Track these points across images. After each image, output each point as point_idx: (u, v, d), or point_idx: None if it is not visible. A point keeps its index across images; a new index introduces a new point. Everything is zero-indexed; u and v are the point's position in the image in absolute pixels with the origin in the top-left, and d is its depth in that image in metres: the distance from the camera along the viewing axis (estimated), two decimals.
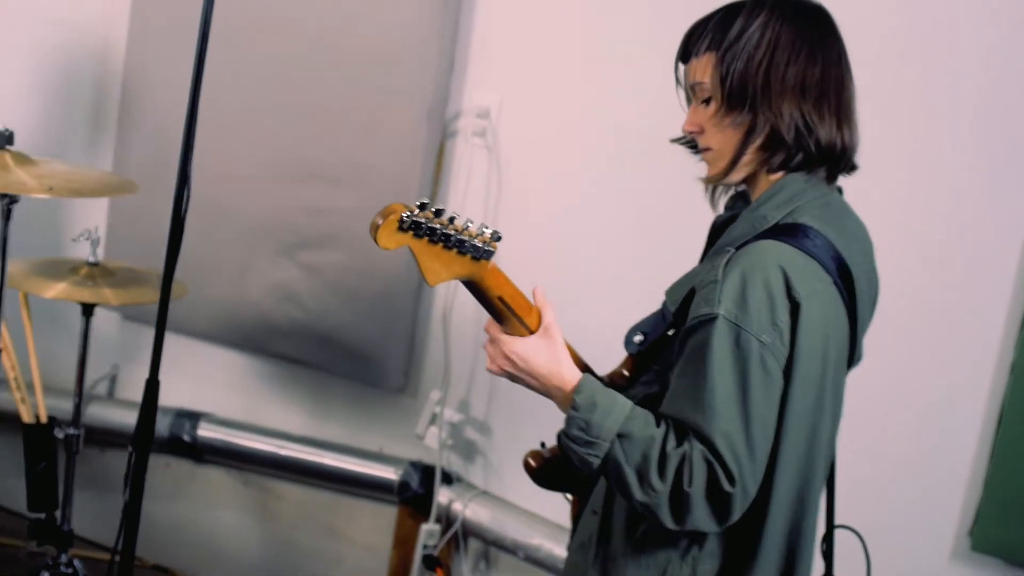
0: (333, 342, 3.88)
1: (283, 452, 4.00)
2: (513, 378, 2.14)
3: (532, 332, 2.11)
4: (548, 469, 2.34)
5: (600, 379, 2.19)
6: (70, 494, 3.48)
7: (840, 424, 2.17)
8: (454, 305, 3.77)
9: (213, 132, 3.91)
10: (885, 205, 2.77)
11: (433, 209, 1.92)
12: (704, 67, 2.12)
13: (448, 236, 1.94)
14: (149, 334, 4.13)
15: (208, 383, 4.17)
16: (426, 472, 3.85)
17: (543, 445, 2.35)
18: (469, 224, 1.97)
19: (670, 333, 2.16)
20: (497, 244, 2.00)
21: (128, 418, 4.12)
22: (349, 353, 3.87)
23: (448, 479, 3.82)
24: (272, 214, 3.90)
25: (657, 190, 3.39)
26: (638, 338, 2.20)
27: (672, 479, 1.95)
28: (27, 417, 3.47)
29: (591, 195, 3.63)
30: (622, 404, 2.02)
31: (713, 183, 2.24)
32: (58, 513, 3.49)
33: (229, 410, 4.13)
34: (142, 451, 2.88)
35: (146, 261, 3.58)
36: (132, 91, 4.03)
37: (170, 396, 4.16)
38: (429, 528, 3.80)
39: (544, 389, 2.12)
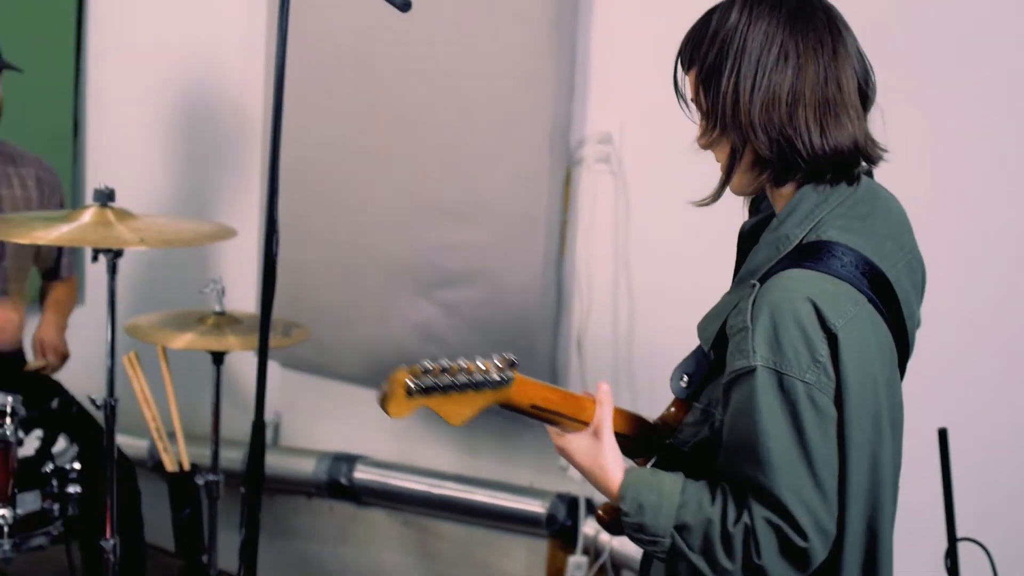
0: None
1: (436, 491, 4.02)
2: None
3: (584, 425, 2.06)
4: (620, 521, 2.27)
5: (656, 425, 2.14)
6: (214, 538, 3.58)
7: (903, 434, 2.04)
8: (587, 332, 3.73)
9: (347, 176, 4.01)
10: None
11: (435, 366, 1.89)
12: (692, 83, 2.05)
13: (462, 384, 1.92)
14: (308, 382, 4.28)
15: (361, 425, 4.23)
16: (572, 504, 3.81)
17: None
18: (478, 363, 1.93)
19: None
20: (515, 369, 1.96)
21: (292, 464, 4.24)
22: None
23: (594, 509, 3.77)
24: (408, 254, 3.94)
25: None
26: (683, 381, 2.10)
27: (741, 555, 1.87)
28: (170, 466, 3.59)
29: (720, 217, 3.54)
30: (669, 495, 1.95)
31: (705, 205, 2.13)
32: (205, 557, 3.59)
33: (383, 451, 4.18)
34: (254, 491, 2.93)
35: (280, 308, 3.66)
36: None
37: (327, 440, 4.28)
38: (577, 560, 3.76)
39: (593, 484, 2.06)
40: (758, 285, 1.93)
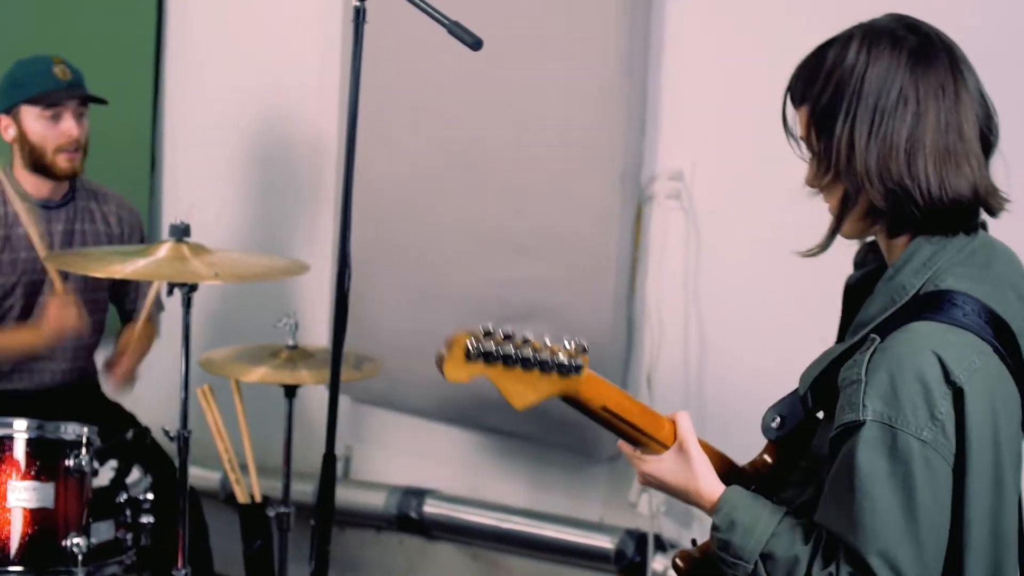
0: (545, 413, 3.84)
1: (505, 525, 4.03)
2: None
3: (665, 446, 2.03)
4: (699, 569, 2.15)
5: (744, 470, 2.10)
6: (284, 570, 3.61)
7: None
8: (657, 368, 3.73)
9: (419, 211, 4.04)
10: None
11: (502, 333, 1.85)
12: (802, 121, 1.99)
13: (526, 358, 1.87)
14: (378, 416, 4.30)
15: (431, 459, 4.25)
16: (641, 540, 3.80)
17: (694, 543, 2.20)
18: (546, 341, 1.89)
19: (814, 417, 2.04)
20: (586, 355, 1.91)
21: (362, 498, 4.26)
22: (562, 423, 3.85)
23: (662, 546, 3.76)
24: (478, 289, 3.95)
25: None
26: (775, 423, 2.05)
27: None
28: (242, 497, 3.62)
29: (793, 255, 3.53)
30: (766, 522, 1.91)
31: (812, 255, 2.06)
32: None
33: (453, 485, 4.19)
34: (324, 524, 2.95)
35: (351, 342, 3.69)
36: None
37: (397, 474, 4.30)
38: None
39: (687, 503, 2.04)
40: (877, 340, 1.86)
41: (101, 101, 3.75)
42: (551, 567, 4.04)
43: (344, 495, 4.32)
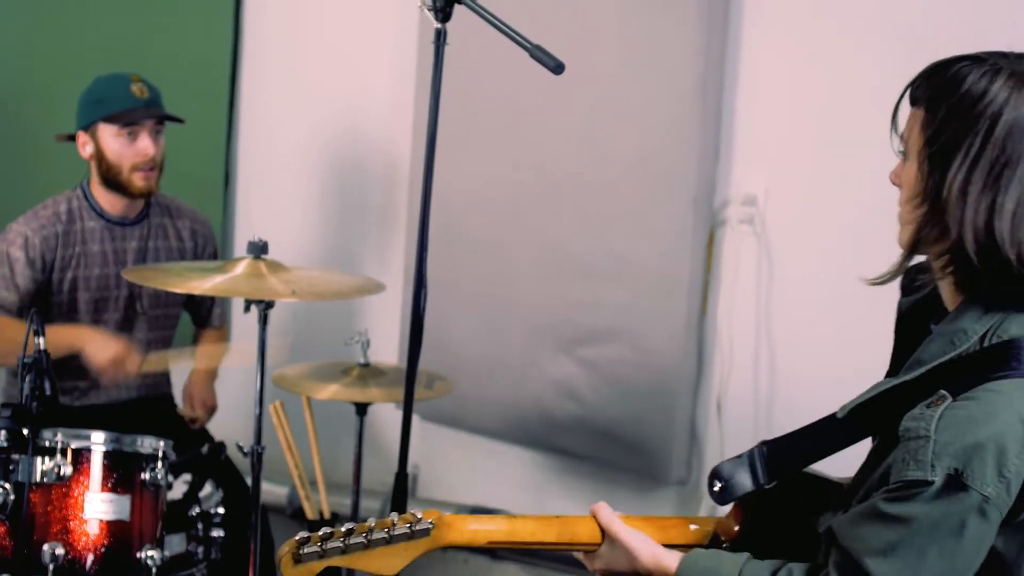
0: (613, 435, 3.89)
1: None
2: None
3: (595, 543, 2.09)
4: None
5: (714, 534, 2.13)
6: None
7: None
8: (727, 393, 3.72)
9: (492, 231, 4.06)
10: None
11: (319, 534, 1.92)
12: (911, 120, 1.92)
13: (362, 543, 1.93)
14: (446, 435, 4.32)
15: (498, 479, 4.26)
16: None
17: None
18: (371, 523, 1.95)
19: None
20: (430, 517, 1.97)
21: None
22: (630, 445, 3.87)
23: None
24: (550, 310, 3.97)
25: None
26: (716, 487, 2.05)
27: None
28: (311, 514, 3.64)
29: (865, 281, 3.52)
30: (730, 561, 1.95)
31: (882, 283, 2.01)
32: None
33: (520, 505, 4.19)
34: None
35: (422, 361, 3.71)
36: (417, 198, 4.21)
37: (464, 493, 4.31)
38: None
39: None
40: (948, 399, 1.82)
41: (178, 120, 3.79)
42: None
43: None
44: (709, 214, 3.76)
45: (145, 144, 3.69)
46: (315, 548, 1.93)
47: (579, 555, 2.16)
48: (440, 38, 2.79)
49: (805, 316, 3.66)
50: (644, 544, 2.06)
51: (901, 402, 1.89)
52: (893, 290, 2.63)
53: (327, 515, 3.65)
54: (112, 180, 3.72)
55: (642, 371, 3.81)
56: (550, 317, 3.97)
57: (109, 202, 3.77)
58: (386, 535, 1.95)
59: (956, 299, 1.94)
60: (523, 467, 4.21)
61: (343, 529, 1.94)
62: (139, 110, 3.69)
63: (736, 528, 2.12)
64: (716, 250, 3.79)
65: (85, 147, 3.74)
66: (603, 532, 2.10)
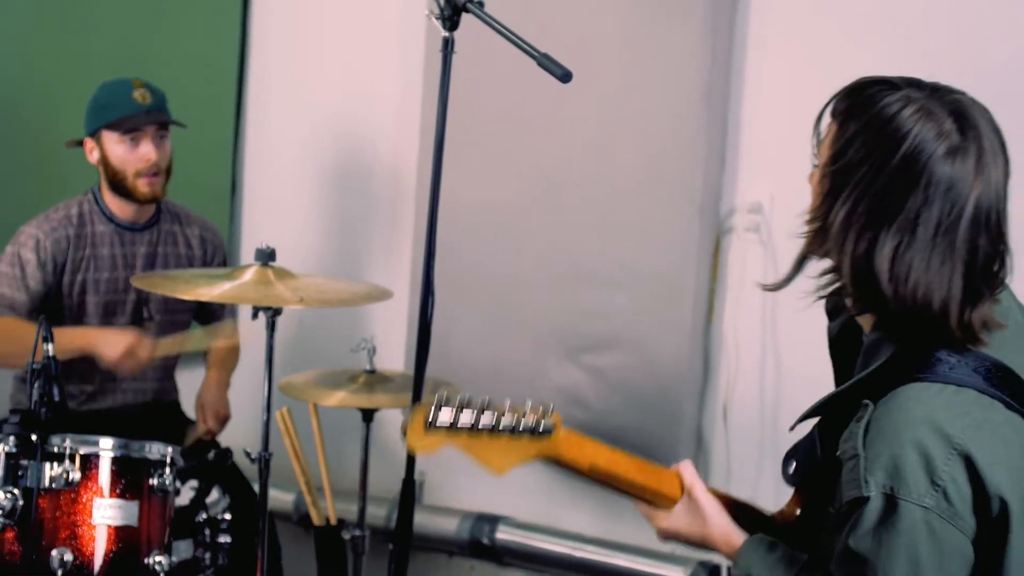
0: (620, 442, 3.81)
1: (578, 554, 4.03)
2: None
3: (673, 500, 2.05)
4: None
5: (769, 517, 2.11)
6: None
7: None
8: (733, 400, 3.73)
9: (498, 239, 4.07)
10: None
11: (460, 401, 1.87)
12: (827, 132, 1.96)
13: (489, 426, 1.89)
14: None
15: (505, 486, 4.22)
16: (714, 572, 3.79)
17: None
18: (506, 404, 1.91)
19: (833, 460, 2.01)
20: (556, 415, 1.92)
21: (435, 523, 4.27)
22: (636, 452, 3.84)
23: None
24: (556, 317, 3.97)
25: None
26: (791, 467, 2.05)
27: None
28: (317, 520, 3.65)
29: None
30: (783, 573, 1.94)
31: (772, 290, 2.07)
32: None
33: (526, 512, 4.20)
34: (402, 548, 3.00)
35: (429, 368, 3.71)
36: (423, 205, 4.22)
37: (471, 500, 4.31)
38: None
39: (709, 551, 2.07)
40: (871, 407, 1.84)
41: (180, 125, 3.80)
42: None
43: (417, 519, 4.28)
44: (715, 222, 3.77)
45: (147, 150, 3.70)
46: (448, 418, 1.87)
47: (646, 510, 2.12)
48: (448, 47, 2.81)
49: (810, 323, 3.64)
50: (719, 514, 2.05)
51: (839, 416, 1.91)
52: None
53: (333, 521, 3.67)
54: (118, 185, 3.74)
55: (648, 379, 3.82)
56: (556, 324, 3.98)
57: (119, 207, 3.79)
58: (513, 423, 1.90)
59: (868, 323, 1.96)
60: (530, 473, 4.15)
61: (480, 402, 1.89)
62: (140, 116, 3.70)
63: (797, 512, 2.11)
64: (722, 258, 3.79)
65: (92, 153, 3.76)
66: (684, 490, 2.07)
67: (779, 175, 3.70)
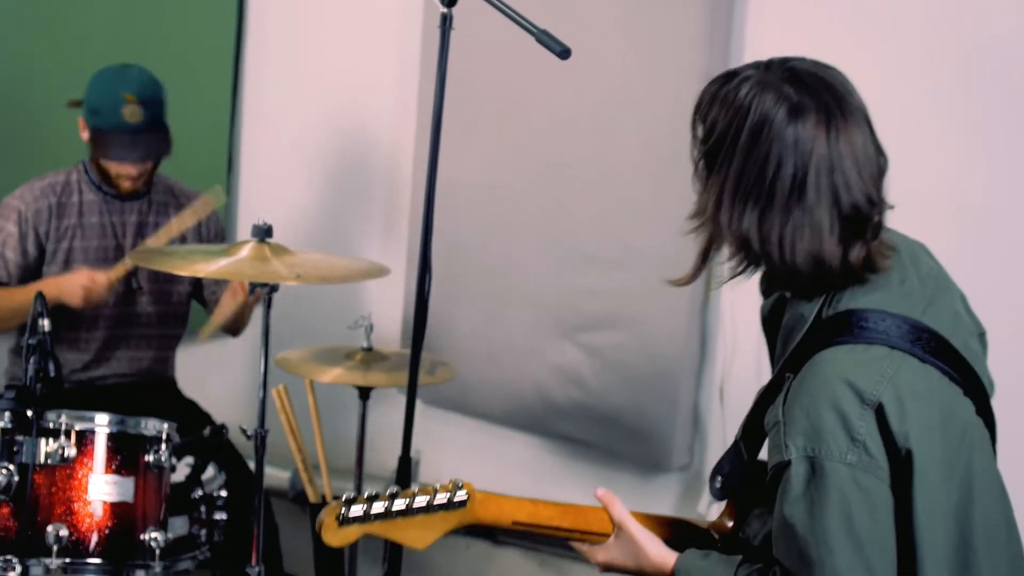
0: (616, 421, 3.89)
1: None
2: None
3: (605, 535, 2.11)
4: None
5: (705, 530, 2.16)
6: (354, 571, 3.64)
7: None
8: (730, 379, 3.73)
9: (496, 218, 4.06)
10: None
11: (366, 495, 1.94)
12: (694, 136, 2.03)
13: (401, 510, 1.95)
14: (450, 419, 4.32)
15: (500, 465, 4.26)
16: None
17: None
18: (414, 488, 1.99)
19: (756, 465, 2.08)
20: (468, 484, 2.02)
21: None
22: (632, 431, 3.87)
23: None
24: (553, 297, 3.97)
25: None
26: (717, 483, 2.11)
27: None
28: (313, 497, 3.65)
29: None
30: (723, 566, 1.98)
31: (682, 285, 2.13)
32: None
33: (521, 491, 4.18)
34: None
35: (425, 346, 3.71)
36: (421, 183, 4.20)
37: (466, 478, 4.24)
38: None
39: None
40: (791, 377, 1.91)
41: (164, 154, 3.76)
42: None
43: None
44: None
45: (127, 169, 3.72)
46: (360, 510, 1.93)
47: (581, 548, 2.19)
48: (446, 23, 2.79)
49: None
50: (652, 543, 2.09)
51: (766, 406, 1.99)
52: None
53: (329, 499, 3.66)
54: (102, 170, 3.76)
55: (645, 357, 3.82)
56: (553, 303, 3.97)
57: (108, 179, 3.79)
58: (426, 503, 1.97)
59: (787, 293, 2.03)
60: (525, 453, 4.21)
61: (388, 492, 1.96)
62: (122, 140, 3.66)
63: (730, 524, 2.17)
64: None
65: (83, 132, 3.77)
66: (615, 524, 2.10)
67: None
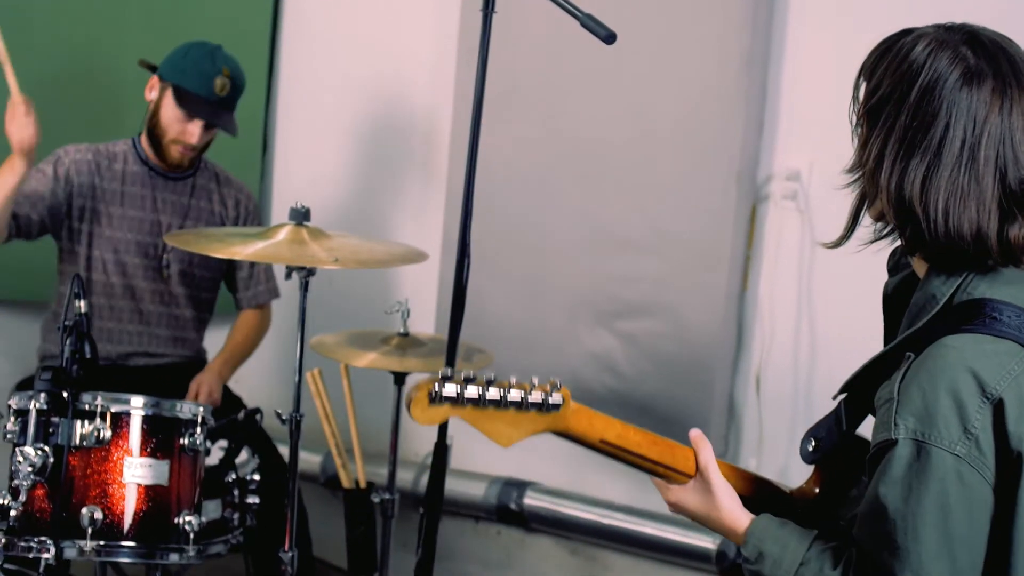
0: (651, 409, 3.87)
1: (606, 521, 4.00)
2: None
3: (687, 475, 2.04)
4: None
5: (787, 494, 2.09)
6: (387, 557, 3.62)
7: None
8: (766, 369, 3.70)
9: (532, 204, 4.04)
10: None
11: (464, 376, 1.86)
12: (861, 92, 1.98)
13: (495, 400, 1.88)
14: None
15: (534, 452, 4.20)
16: None
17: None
18: (512, 380, 1.90)
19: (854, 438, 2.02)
20: (564, 391, 1.92)
21: (463, 487, 4.26)
22: (667, 420, 3.84)
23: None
24: (590, 283, 3.95)
25: None
26: (811, 445, 2.05)
27: None
28: (347, 482, 3.63)
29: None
30: (794, 550, 1.91)
31: (834, 247, 2.06)
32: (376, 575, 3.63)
33: (554, 478, 4.18)
34: (432, 512, 2.98)
35: (462, 332, 3.69)
36: (457, 167, 4.19)
37: (498, 465, 4.29)
38: None
39: (716, 532, 2.06)
40: (912, 357, 1.84)
41: (230, 133, 3.81)
42: (651, 565, 4.02)
43: (445, 484, 4.34)
44: (752, 189, 3.73)
45: (194, 130, 3.76)
46: (454, 391, 1.86)
47: (658, 482, 2.12)
48: (488, 6, 2.77)
49: (846, 292, 3.62)
50: (730, 499, 2.03)
51: (884, 376, 1.91)
52: None
53: (363, 484, 3.65)
54: (154, 135, 3.80)
55: (681, 346, 3.79)
56: (589, 290, 3.95)
57: (154, 155, 3.83)
58: (520, 398, 1.90)
59: (923, 269, 1.96)
60: (558, 440, 4.17)
61: (485, 378, 1.88)
62: (205, 105, 3.73)
63: (816, 491, 2.10)
64: (758, 225, 3.75)
65: (151, 91, 3.81)
66: (698, 469, 2.05)
67: (819, 143, 3.66)
